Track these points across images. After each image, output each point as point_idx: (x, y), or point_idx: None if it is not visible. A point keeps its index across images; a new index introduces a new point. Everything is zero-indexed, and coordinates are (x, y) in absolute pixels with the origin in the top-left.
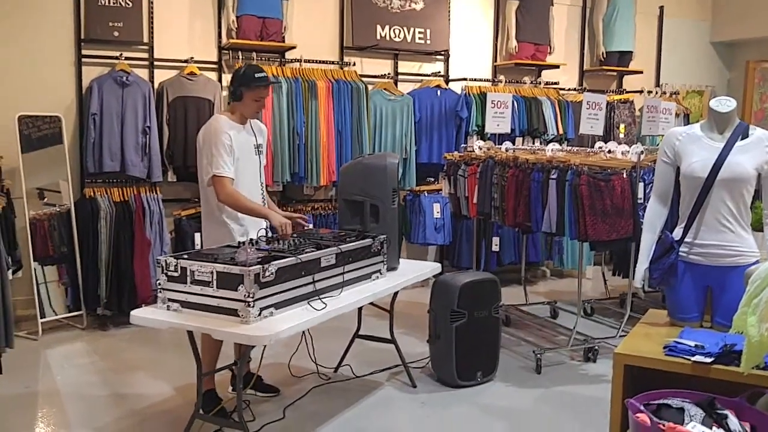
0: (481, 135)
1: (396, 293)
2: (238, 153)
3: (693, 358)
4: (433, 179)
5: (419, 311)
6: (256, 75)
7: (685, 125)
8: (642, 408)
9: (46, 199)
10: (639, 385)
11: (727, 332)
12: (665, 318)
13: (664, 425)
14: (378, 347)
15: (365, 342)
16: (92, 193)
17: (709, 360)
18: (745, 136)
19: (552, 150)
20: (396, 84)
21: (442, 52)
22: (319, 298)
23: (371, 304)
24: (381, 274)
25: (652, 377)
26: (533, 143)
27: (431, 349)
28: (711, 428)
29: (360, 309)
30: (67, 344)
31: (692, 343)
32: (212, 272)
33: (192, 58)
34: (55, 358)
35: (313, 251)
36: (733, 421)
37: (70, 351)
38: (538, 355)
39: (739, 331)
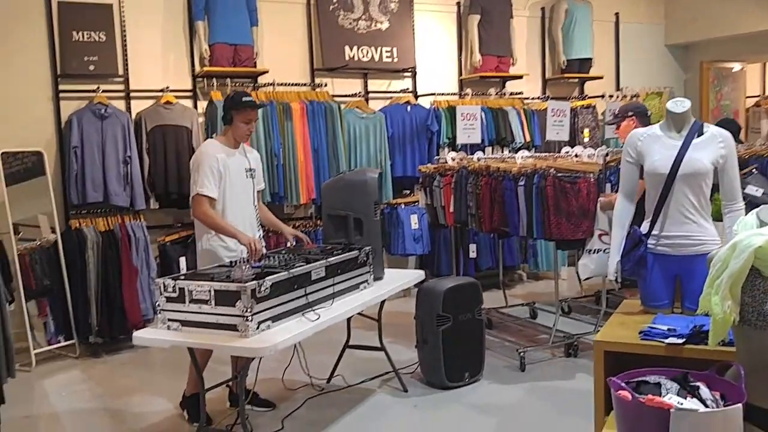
0: (453, 146)
1: (383, 302)
2: (227, 176)
3: (666, 341)
4: (409, 191)
5: (403, 320)
6: (243, 99)
7: (645, 126)
8: (623, 385)
9: (21, 234)
10: (618, 369)
11: (695, 315)
12: (638, 307)
13: (643, 398)
14: (368, 356)
15: (355, 352)
16: (78, 224)
17: (681, 341)
18: (701, 133)
19: (522, 157)
20: (367, 102)
21: (410, 69)
22: (313, 310)
23: (358, 314)
24: (368, 284)
25: (629, 361)
26: (502, 152)
27: (419, 354)
28: (686, 398)
29: (349, 319)
30: (62, 373)
31: (665, 327)
32: (210, 290)
33: (168, 87)
34: (51, 387)
35: (303, 265)
36: (704, 391)
37: (65, 379)
38: (522, 354)
39: (705, 312)
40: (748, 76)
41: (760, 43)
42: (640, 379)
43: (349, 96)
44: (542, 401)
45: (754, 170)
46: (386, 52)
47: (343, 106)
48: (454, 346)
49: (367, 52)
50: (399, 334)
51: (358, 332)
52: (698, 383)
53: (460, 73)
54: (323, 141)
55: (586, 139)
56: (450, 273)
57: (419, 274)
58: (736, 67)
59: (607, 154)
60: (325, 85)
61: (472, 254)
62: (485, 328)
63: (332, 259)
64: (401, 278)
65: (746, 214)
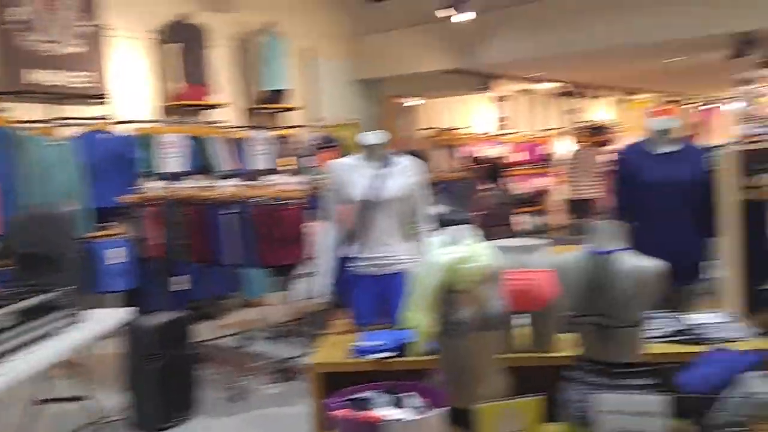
0: (155, 176)
1: (87, 346)
2: None
3: (376, 356)
4: (109, 224)
5: (110, 362)
6: None
7: (342, 156)
8: (338, 404)
9: None
10: (334, 387)
11: (400, 329)
12: (347, 326)
13: (357, 415)
14: (72, 407)
15: (57, 405)
16: None
17: (389, 355)
18: (394, 163)
19: (228, 185)
20: (57, 129)
21: (105, 96)
22: (1, 363)
23: (60, 362)
24: (69, 328)
25: (343, 379)
26: (207, 180)
27: (129, 397)
28: (396, 409)
29: (47, 370)
30: None
31: (374, 343)
32: None
33: None
34: None
35: None
36: (413, 400)
37: None
38: (238, 384)
39: (407, 326)
40: (424, 111)
41: (435, 82)
42: (354, 396)
43: (35, 122)
44: (261, 429)
45: (441, 192)
46: (78, 76)
47: (27, 134)
48: (166, 384)
49: (56, 76)
50: (104, 378)
51: (60, 382)
52: (407, 393)
53: (161, 101)
54: (5, 172)
55: (287, 167)
56: (160, 307)
57: (127, 312)
58: (412, 101)
59: (308, 182)
60: (6, 110)
61: (183, 286)
62: (198, 362)
63: (23, 304)
64: (107, 318)
65: (436, 234)
